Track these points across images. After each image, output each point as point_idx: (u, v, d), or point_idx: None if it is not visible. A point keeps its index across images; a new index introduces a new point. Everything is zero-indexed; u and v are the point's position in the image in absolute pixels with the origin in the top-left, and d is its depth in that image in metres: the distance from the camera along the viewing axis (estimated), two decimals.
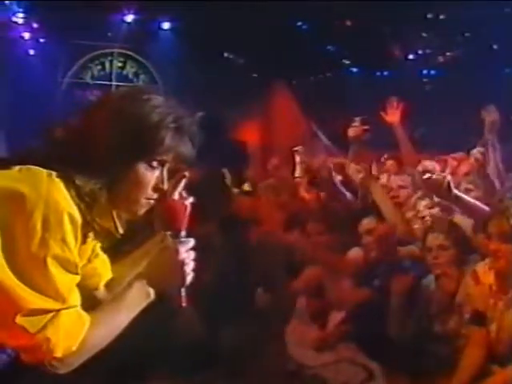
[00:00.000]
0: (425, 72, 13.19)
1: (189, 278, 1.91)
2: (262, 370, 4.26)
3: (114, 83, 11.82)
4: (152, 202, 1.92)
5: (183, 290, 1.90)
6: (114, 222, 1.92)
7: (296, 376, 4.26)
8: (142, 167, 1.85)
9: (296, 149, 7.12)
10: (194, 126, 1.93)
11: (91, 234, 1.85)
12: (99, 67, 11.88)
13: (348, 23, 11.46)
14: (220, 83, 11.12)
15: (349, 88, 12.55)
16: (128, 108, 1.86)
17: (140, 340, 3.31)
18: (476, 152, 4.86)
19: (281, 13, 10.31)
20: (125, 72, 12.04)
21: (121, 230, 1.95)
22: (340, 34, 11.65)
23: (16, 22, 10.68)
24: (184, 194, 1.98)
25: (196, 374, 4.04)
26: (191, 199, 1.97)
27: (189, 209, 1.94)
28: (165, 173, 1.91)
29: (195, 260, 1.93)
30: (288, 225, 5.60)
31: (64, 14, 9.87)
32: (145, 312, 1.89)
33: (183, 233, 1.92)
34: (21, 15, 10.62)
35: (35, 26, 10.88)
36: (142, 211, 1.92)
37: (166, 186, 1.92)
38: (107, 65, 11.95)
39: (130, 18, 11.34)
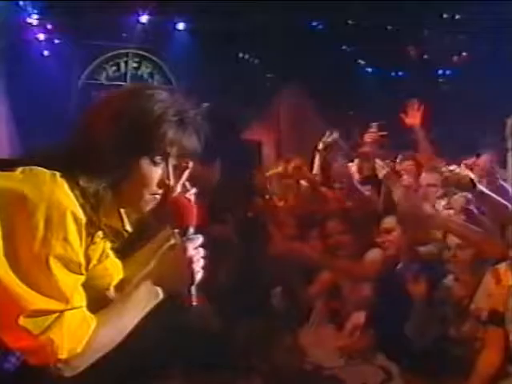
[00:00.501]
0: (440, 72, 13.13)
1: (198, 276, 1.86)
2: (277, 369, 4.24)
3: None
4: (157, 197, 1.88)
5: (193, 288, 1.85)
6: (122, 221, 1.90)
7: (313, 376, 4.23)
8: (145, 163, 1.82)
9: (319, 148, 7.02)
10: (198, 119, 1.89)
11: (100, 234, 1.81)
12: (114, 68, 11.85)
13: (363, 23, 11.42)
14: (235, 83, 11.10)
15: (364, 88, 12.52)
16: (131, 104, 1.83)
17: (152, 339, 3.29)
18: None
19: (296, 13, 10.29)
20: (140, 73, 12.01)
21: (129, 229, 1.92)
22: (355, 35, 11.62)
23: (30, 24, 10.68)
24: (187, 186, 1.94)
25: (209, 373, 4.02)
26: (194, 190, 1.94)
27: (193, 200, 1.90)
28: (170, 168, 1.87)
29: (205, 257, 1.88)
30: (307, 224, 5.57)
31: (78, 15, 9.91)
32: (156, 311, 1.85)
33: (191, 230, 1.86)
34: (35, 16, 10.62)
35: (50, 27, 10.88)
36: (147, 207, 1.89)
37: (172, 182, 1.88)
38: (122, 65, 11.92)
39: (144, 18, 11.32)
